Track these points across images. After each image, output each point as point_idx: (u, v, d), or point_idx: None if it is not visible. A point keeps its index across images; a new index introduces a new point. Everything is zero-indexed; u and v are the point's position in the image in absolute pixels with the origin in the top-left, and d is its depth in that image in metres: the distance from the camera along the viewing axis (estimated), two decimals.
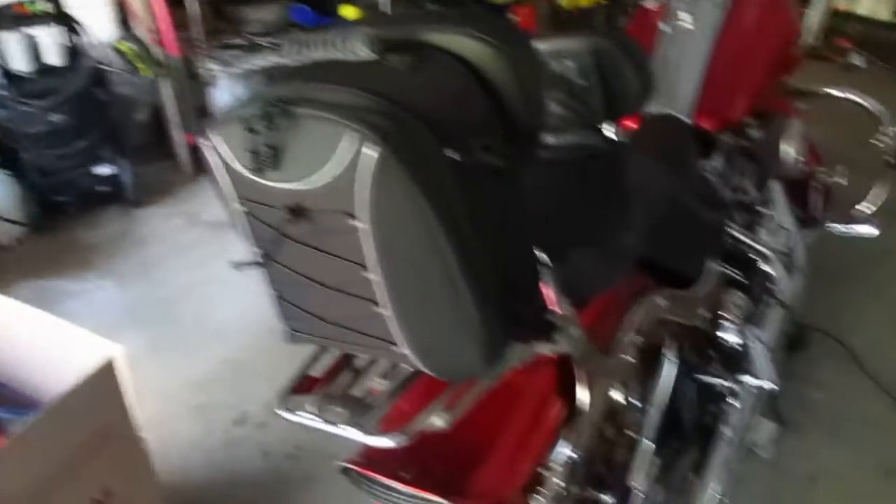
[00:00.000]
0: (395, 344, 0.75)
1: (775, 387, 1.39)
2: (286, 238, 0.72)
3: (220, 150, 0.72)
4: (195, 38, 2.74)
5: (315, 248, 0.72)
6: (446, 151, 0.67)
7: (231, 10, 3.12)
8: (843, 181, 1.88)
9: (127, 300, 2.39)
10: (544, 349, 0.91)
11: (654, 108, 1.59)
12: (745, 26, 1.67)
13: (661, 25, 1.68)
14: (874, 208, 1.88)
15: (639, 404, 1.32)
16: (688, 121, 1.54)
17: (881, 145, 1.83)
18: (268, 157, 0.68)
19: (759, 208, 1.79)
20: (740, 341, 1.44)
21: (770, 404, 1.86)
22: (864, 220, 1.86)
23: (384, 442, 0.78)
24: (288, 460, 1.76)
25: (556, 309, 0.88)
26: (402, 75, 0.70)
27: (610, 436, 1.28)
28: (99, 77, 2.48)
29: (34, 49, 2.42)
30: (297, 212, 0.69)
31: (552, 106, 1.15)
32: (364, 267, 0.69)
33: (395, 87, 0.69)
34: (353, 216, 0.66)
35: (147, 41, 2.64)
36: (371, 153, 0.62)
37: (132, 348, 2.18)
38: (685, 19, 1.66)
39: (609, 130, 1.64)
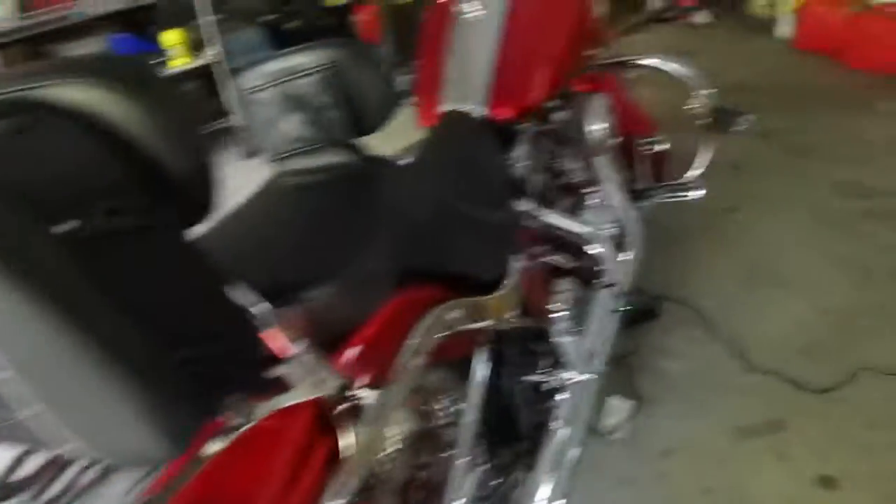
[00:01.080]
0: (60, 442, 0.66)
1: (593, 376, 1.36)
2: None
3: None
4: None
5: None
6: (57, 226, 0.58)
7: (50, 49, 2.93)
8: (666, 147, 1.87)
9: None
10: (284, 400, 0.84)
11: (450, 103, 1.53)
12: (534, 8, 1.63)
13: (451, 21, 1.63)
14: (700, 171, 1.88)
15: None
16: (483, 113, 1.49)
17: (694, 110, 1.82)
18: None
19: (585, 189, 1.77)
20: (560, 336, 1.41)
21: (625, 382, 1.85)
22: (690, 185, 1.86)
23: None
24: None
25: (291, 354, 0.81)
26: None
27: (424, 460, 1.22)
28: None
29: None
30: None
31: (297, 128, 1.08)
32: None
33: None
34: None
35: None
36: None
37: None
38: (473, 7, 1.61)
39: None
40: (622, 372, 1.87)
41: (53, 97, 0.65)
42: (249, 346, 0.78)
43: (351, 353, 0.95)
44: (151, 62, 2.95)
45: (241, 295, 0.78)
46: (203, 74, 3.15)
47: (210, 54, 3.06)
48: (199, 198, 0.72)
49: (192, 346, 0.68)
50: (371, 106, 1.06)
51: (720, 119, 1.81)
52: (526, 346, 1.45)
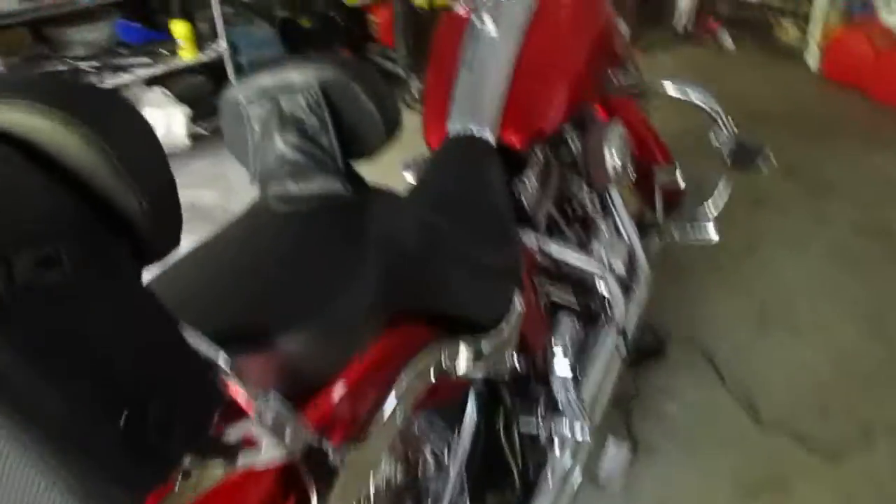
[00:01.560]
0: None
1: (585, 439, 1.27)
2: None
3: None
4: None
5: None
6: None
7: (54, 33, 2.85)
8: (680, 183, 1.78)
9: None
10: (247, 460, 0.75)
11: (457, 123, 1.44)
12: (553, 28, 1.54)
13: (465, 34, 1.54)
14: (715, 213, 1.78)
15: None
16: (491, 138, 1.40)
17: (717, 144, 1.73)
18: None
19: (596, 220, 1.68)
20: (558, 382, 1.32)
21: (624, 424, 1.76)
22: (703, 226, 1.76)
23: None
24: None
25: (256, 408, 0.72)
26: None
27: None
28: None
29: None
30: None
31: (286, 149, 0.99)
32: None
33: None
34: None
35: None
36: None
37: None
38: (488, 24, 1.52)
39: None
40: (621, 412, 1.78)
41: None
42: (208, 401, 0.69)
43: (324, 404, 0.86)
44: (160, 50, 2.87)
45: (203, 343, 0.70)
46: (212, 68, 3.07)
47: (217, 48, 2.97)
48: (158, 237, 0.63)
49: (139, 405, 0.59)
50: (365, 132, 0.98)
51: (741, 156, 1.71)
52: (521, 386, 1.36)
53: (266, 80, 0.99)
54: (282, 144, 0.99)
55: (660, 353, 1.93)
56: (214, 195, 2.74)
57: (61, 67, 2.67)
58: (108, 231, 0.59)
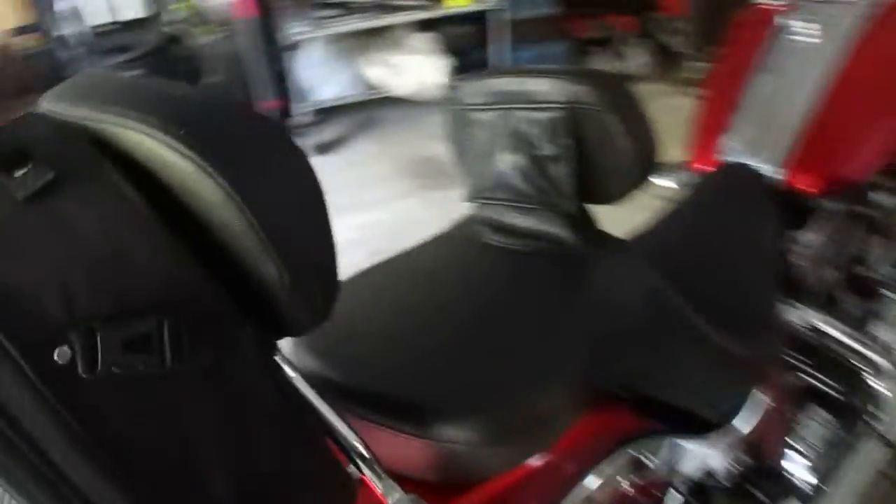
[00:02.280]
0: None
1: None
2: None
3: None
4: None
5: None
6: (50, 353, 0.39)
7: None
8: None
9: None
10: None
11: (736, 147, 1.17)
12: (890, 46, 1.18)
13: (771, 36, 1.24)
14: None
15: None
16: (777, 175, 1.11)
17: None
18: None
19: (886, 292, 1.32)
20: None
21: None
22: None
23: None
24: None
25: None
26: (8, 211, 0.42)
27: None
28: (174, 34, 2.35)
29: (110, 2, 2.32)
30: None
31: (510, 172, 0.82)
32: None
33: None
34: None
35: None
36: None
37: None
38: (807, 29, 1.20)
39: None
40: None
41: (105, 133, 0.45)
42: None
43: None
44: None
45: (342, 427, 0.56)
46: (484, 21, 2.94)
47: None
48: (302, 313, 0.50)
49: None
50: (612, 174, 0.77)
51: None
52: (738, 486, 1.11)
53: (505, 84, 0.82)
54: (507, 165, 0.82)
55: None
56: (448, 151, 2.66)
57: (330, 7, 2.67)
58: (233, 307, 0.45)
